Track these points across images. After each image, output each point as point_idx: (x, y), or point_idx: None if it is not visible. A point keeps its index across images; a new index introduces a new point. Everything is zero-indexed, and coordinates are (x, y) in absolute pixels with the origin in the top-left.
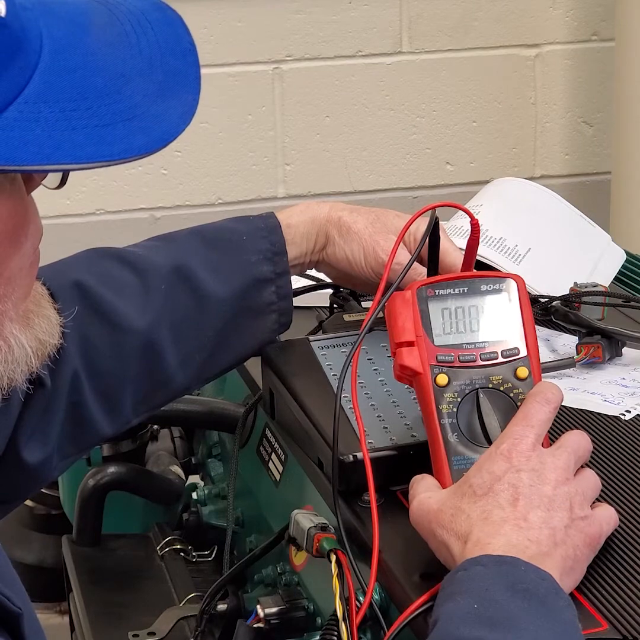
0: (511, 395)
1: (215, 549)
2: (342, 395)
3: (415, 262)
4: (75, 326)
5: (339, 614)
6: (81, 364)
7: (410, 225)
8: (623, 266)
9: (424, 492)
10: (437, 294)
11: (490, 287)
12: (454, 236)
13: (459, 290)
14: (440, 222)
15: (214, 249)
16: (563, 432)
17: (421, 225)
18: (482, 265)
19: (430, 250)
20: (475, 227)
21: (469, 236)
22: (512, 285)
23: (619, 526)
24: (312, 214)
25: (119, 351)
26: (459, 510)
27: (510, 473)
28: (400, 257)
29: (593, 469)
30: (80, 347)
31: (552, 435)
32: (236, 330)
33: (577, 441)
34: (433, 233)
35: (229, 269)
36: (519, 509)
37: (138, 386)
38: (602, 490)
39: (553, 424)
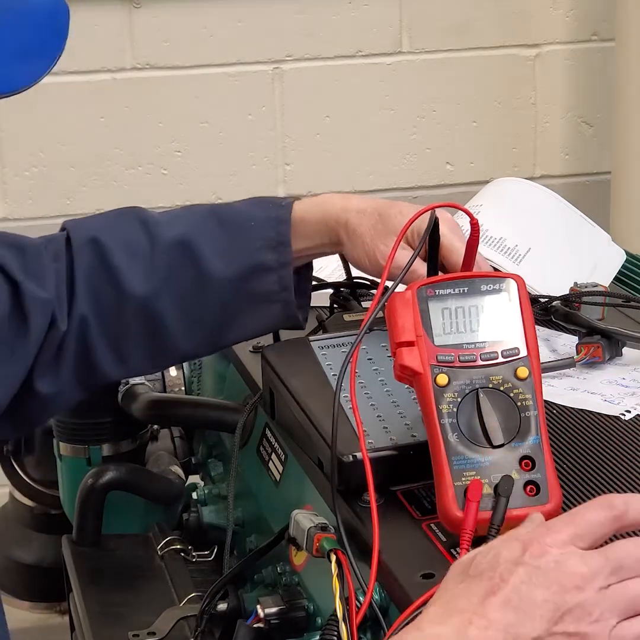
0: (511, 395)
1: (215, 549)
2: (342, 395)
3: (417, 261)
4: (87, 277)
5: (339, 614)
6: (90, 311)
7: (408, 226)
8: (623, 266)
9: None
10: (437, 293)
11: (490, 287)
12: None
13: (459, 290)
14: (440, 223)
15: (224, 230)
16: (563, 433)
17: (423, 222)
18: None
19: (430, 250)
20: (474, 226)
21: (468, 236)
22: (512, 285)
23: None
24: (324, 211)
25: (120, 310)
26: (449, 580)
27: (512, 564)
28: (399, 259)
29: (593, 469)
30: (90, 297)
31: (554, 438)
32: (240, 313)
33: (627, 550)
34: (433, 233)
35: (233, 251)
36: (486, 604)
37: (141, 344)
38: (602, 490)
39: (553, 425)
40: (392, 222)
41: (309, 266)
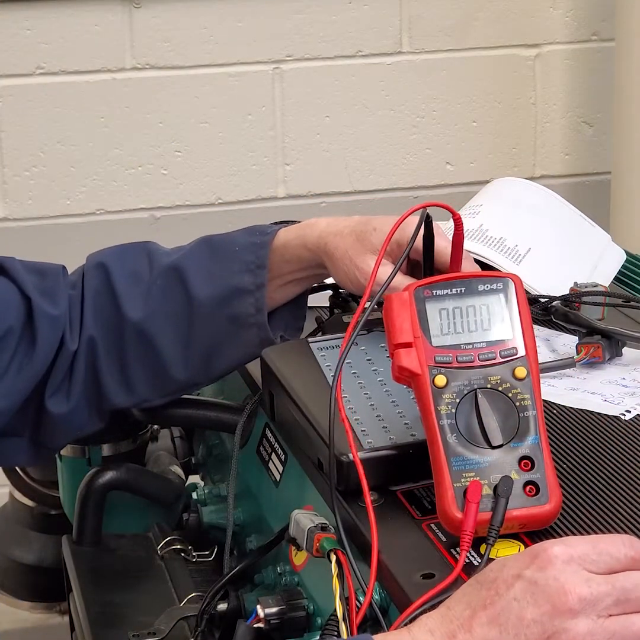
0: (510, 395)
1: (216, 549)
2: (343, 396)
3: (399, 276)
4: (94, 300)
5: (339, 614)
6: (97, 333)
7: (393, 233)
8: (623, 266)
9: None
10: (434, 294)
11: (487, 287)
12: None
13: (457, 291)
14: (435, 223)
15: (212, 255)
16: (563, 433)
17: (406, 230)
18: (482, 265)
19: (424, 251)
20: (457, 222)
21: (453, 233)
22: (510, 285)
23: (619, 526)
24: (303, 236)
25: (120, 334)
26: (470, 580)
27: (512, 577)
28: (381, 276)
29: (593, 469)
30: (96, 319)
31: (554, 438)
32: (225, 339)
33: (635, 581)
34: (426, 233)
35: (216, 275)
36: (475, 617)
37: (141, 370)
38: (602, 490)
39: (553, 425)
40: (368, 240)
41: (304, 294)
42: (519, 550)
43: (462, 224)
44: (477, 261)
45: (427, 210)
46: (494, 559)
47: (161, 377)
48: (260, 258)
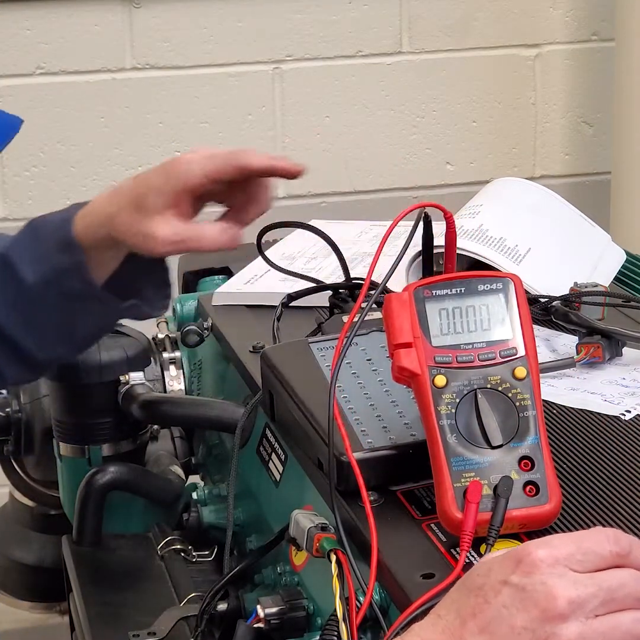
0: (509, 395)
1: (216, 549)
2: (342, 396)
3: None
4: None
5: (339, 614)
6: None
7: (390, 233)
8: (623, 266)
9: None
10: (434, 294)
11: (487, 287)
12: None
13: (456, 291)
14: (434, 223)
15: (33, 238)
16: (563, 433)
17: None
18: (482, 265)
19: (423, 251)
20: (449, 221)
21: (445, 231)
22: (510, 285)
23: (619, 526)
24: (94, 200)
25: None
26: (458, 585)
27: (499, 583)
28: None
29: (593, 469)
30: None
31: (554, 438)
32: (74, 314)
33: (621, 579)
34: (426, 232)
35: (39, 258)
36: (465, 628)
37: (4, 359)
38: (602, 490)
39: (553, 425)
40: (145, 204)
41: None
42: None
43: (454, 223)
44: (477, 261)
45: (425, 210)
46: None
47: (26, 362)
48: (66, 233)
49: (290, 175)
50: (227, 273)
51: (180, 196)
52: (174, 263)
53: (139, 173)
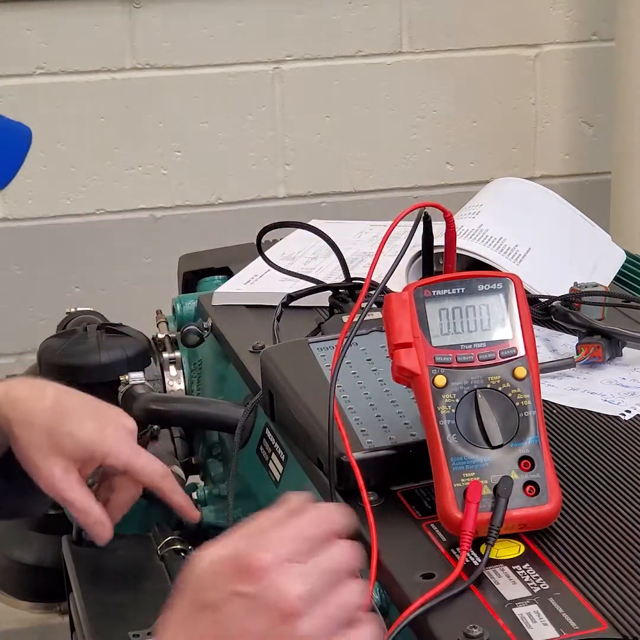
0: (509, 395)
1: None
2: (342, 396)
3: None
4: None
5: None
6: None
7: (393, 228)
8: (623, 266)
9: None
10: (434, 294)
11: (487, 287)
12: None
13: (456, 291)
14: (434, 223)
15: None
16: (563, 433)
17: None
18: (482, 265)
19: (423, 251)
20: (449, 220)
21: (445, 231)
22: (510, 285)
23: (619, 526)
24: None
25: None
26: (181, 607)
27: (230, 595)
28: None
29: (593, 469)
30: None
31: (554, 438)
32: None
33: (333, 556)
34: (426, 233)
35: None
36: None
37: None
38: (602, 490)
39: (553, 425)
40: (58, 443)
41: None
42: (518, 551)
43: (454, 222)
44: (477, 261)
45: (425, 210)
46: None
47: None
48: None
49: (189, 518)
50: (227, 273)
51: (93, 462)
52: (174, 263)
53: (64, 400)
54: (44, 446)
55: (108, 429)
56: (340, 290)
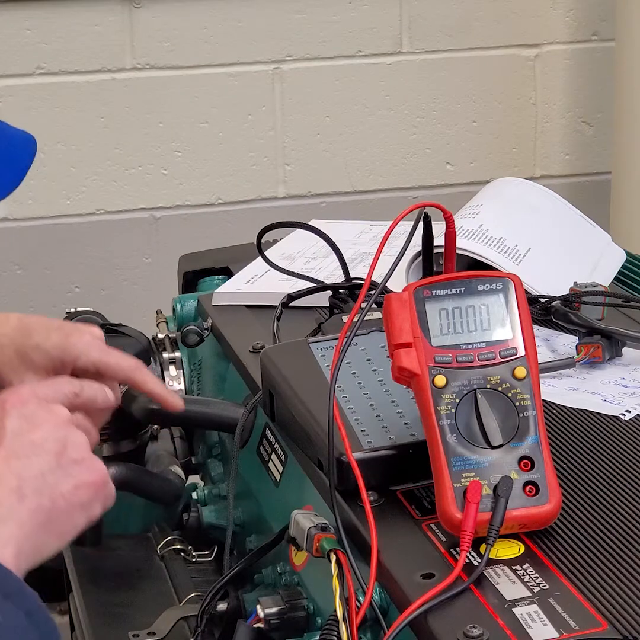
0: (509, 395)
1: (215, 549)
2: (341, 396)
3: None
4: None
5: (339, 614)
6: None
7: (393, 228)
8: (623, 266)
9: None
10: (434, 294)
11: (487, 287)
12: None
13: (456, 291)
14: (434, 223)
15: None
16: (563, 433)
17: (76, 346)
18: (482, 265)
19: (423, 251)
20: (448, 220)
21: (445, 230)
22: (509, 285)
23: (619, 526)
24: None
25: None
26: None
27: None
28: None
29: (593, 469)
30: None
31: (554, 438)
32: None
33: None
34: (425, 233)
35: None
36: None
37: None
38: (602, 490)
39: (553, 425)
40: (28, 357)
41: None
42: (518, 551)
43: (453, 222)
44: (477, 261)
45: (425, 210)
46: None
47: None
48: None
49: (170, 407)
50: (227, 273)
51: (64, 368)
52: (174, 263)
53: (28, 319)
54: (14, 363)
55: (74, 335)
56: (340, 290)
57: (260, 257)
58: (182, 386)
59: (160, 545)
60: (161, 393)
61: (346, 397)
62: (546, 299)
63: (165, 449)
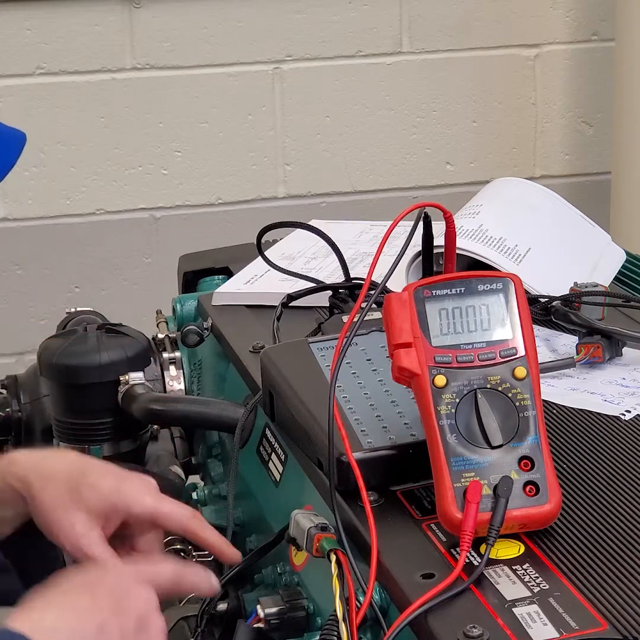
0: (509, 395)
1: None
2: (342, 396)
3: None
4: None
5: (339, 614)
6: None
7: (393, 228)
8: (623, 266)
9: None
10: (434, 294)
11: (487, 287)
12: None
13: (456, 291)
14: (434, 223)
15: None
16: (563, 433)
17: (127, 494)
18: (482, 265)
19: (423, 251)
20: (448, 220)
21: (445, 230)
22: (510, 285)
23: (619, 526)
24: (5, 475)
25: None
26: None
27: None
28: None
29: (593, 469)
30: None
31: (554, 438)
32: None
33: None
34: (426, 233)
35: None
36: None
37: None
38: (602, 490)
39: (553, 425)
40: (81, 496)
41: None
42: (518, 551)
43: (453, 222)
44: (477, 261)
45: (425, 210)
46: None
47: None
48: None
49: (227, 561)
50: (227, 273)
51: (116, 513)
52: (174, 263)
53: (84, 459)
54: (65, 500)
55: (128, 480)
56: (340, 290)
57: (260, 257)
58: (182, 386)
59: None
60: (219, 545)
61: (346, 397)
62: (546, 299)
63: (165, 449)
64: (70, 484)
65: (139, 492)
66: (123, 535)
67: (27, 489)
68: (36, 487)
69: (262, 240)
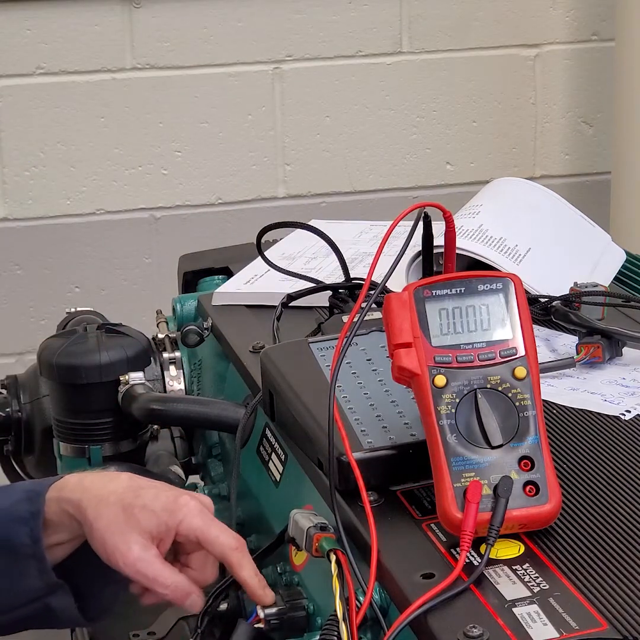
0: (509, 395)
1: None
2: (342, 396)
3: None
4: None
5: (339, 614)
6: None
7: (393, 228)
8: (623, 266)
9: None
10: (434, 294)
11: (487, 287)
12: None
13: (456, 291)
14: (434, 223)
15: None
16: (563, 433)
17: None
18: (482, 265)
19: (423, 251)
20: (448, 220)
21: (445, 230)
22: (510, 285)
23: (619, 526)
24: (60, 501)
25: None
26: None
27: None
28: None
29: (593, 469)
30: None
31: (554, 438)
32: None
33: None
34: (425, 233)
35: None
36: None
37: None
38: (602, 490)
39: (553, 425)
40: (134, 517)
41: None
42: (518, 551)
43: (453, 222)
44: (477, 261)
45: (425, 210)
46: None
47: None
48: (37, 495)
49: (259, 602)
50: (227, 273)
51: (168, 532)
52: (174, 263)
53: (136, 480)
54: (120, 523)
55: (182, 498)
56: (340, 290)
57: (260, 257)
58: (182, 386)
59: None
60: (253, 584)
61: (346, 397)
62: (546, 299)
63: (165, 449)
64: (124, 506)
65: (189, 511)
66: (176, 551)
67: (82, 514)
68: (90, 512)
69: (262, 240)
